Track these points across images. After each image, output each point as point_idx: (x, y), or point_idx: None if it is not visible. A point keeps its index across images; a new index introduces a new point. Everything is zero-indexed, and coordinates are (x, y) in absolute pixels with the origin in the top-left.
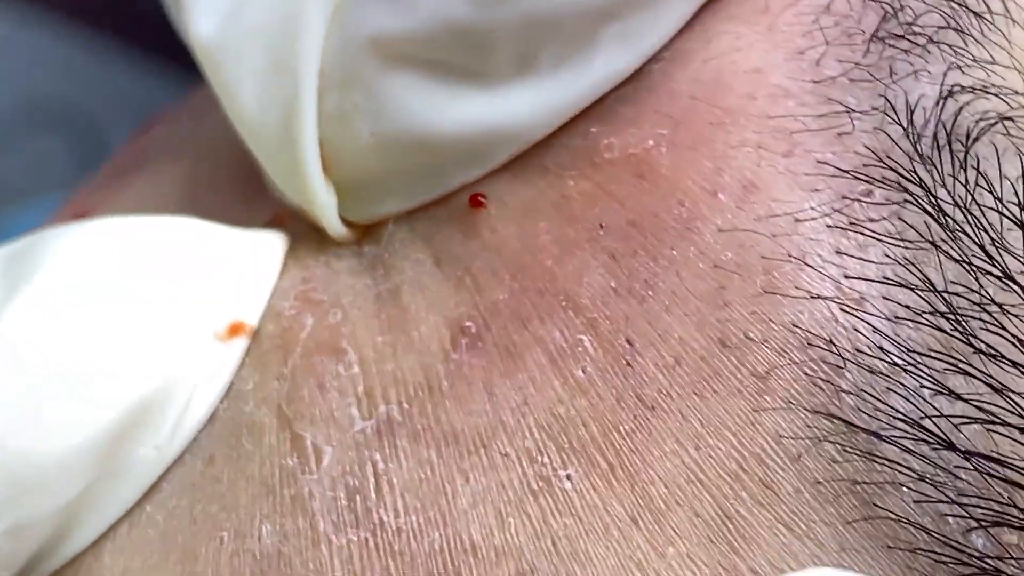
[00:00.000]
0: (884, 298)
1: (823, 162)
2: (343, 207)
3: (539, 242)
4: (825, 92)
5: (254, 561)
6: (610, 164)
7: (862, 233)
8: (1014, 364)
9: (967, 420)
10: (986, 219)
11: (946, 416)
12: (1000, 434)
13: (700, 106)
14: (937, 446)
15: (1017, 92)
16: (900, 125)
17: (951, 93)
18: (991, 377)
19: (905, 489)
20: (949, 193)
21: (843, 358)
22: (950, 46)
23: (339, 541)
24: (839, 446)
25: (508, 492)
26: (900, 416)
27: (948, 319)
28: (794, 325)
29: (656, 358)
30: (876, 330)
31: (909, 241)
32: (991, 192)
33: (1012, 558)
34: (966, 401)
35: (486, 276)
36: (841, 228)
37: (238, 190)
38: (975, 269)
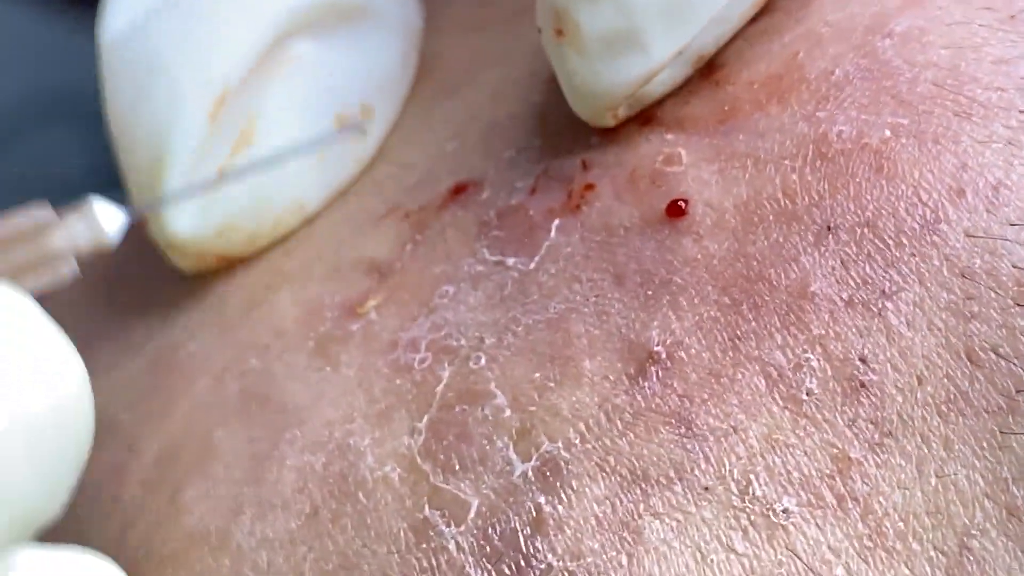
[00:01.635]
0: None
1: None
2: None
3: (754, 248)
4: None
5: None
6: (842, 155)
7: None
8: None
9: None
10: None
11: None
12: None
13: (944, 95)
14: None
15: None
16: None
17: None
18: None
19: None
20: None
21: None
22: None
23: None
24: None
25: (711, 528)
26: None
27: None
28: None
29: (895, 378)
30: None
31: None
32: None
33: None
34: None
35: (688, 292)
36: None
37: None
38: None
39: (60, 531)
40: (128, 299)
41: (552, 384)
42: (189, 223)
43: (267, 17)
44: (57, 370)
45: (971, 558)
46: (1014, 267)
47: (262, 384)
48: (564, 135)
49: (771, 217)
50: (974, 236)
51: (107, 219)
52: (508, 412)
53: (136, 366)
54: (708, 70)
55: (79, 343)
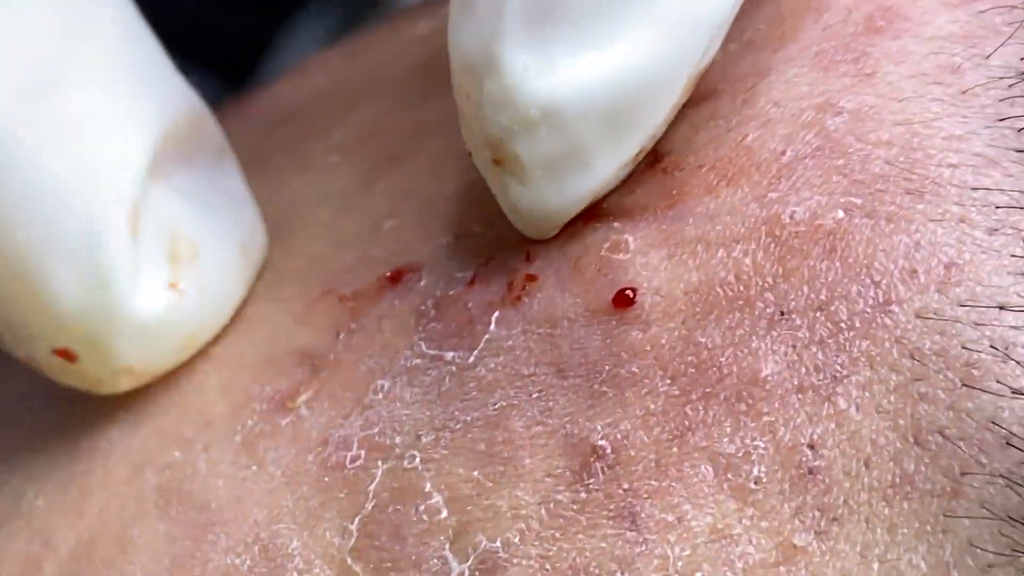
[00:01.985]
0: None
1: None
2: None
3: (705, 336)
4: None
5: None
6: (795, 237)
7: None
8: None
9: None
10: None
11: None
12: None
13: (897, 173)
14: None
15: None
16: None
17: None
18: None
19: None
20: None
21: None
22: None
23: None
24: None
25: None
26: None
27: None
28: (992, 423)
29: (843, 463)
30: None
31: None
32: None
33: None
34: None
35: (635, 385)
36: None
37: None
38: None
39: None
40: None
41: (491, 483)
42: (152, 344)
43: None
44: None
45: None
46: (963, 347)
47: (184, 480)
48: (505, 220)
49: (724, 303)
50: (925, 317)
51: None
52: (444, 512)
53: (56, 449)
54: (654, 158)
55: (4, 419)
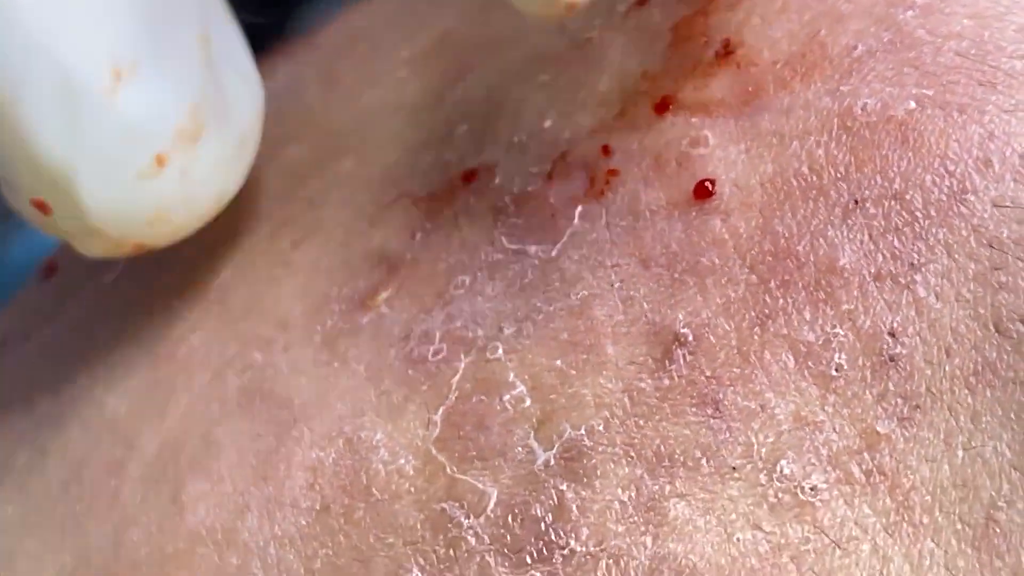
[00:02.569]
0: None
1: None
2: None
3: (782, 225)
4: None
5: None
6: (867, 128)
7: None
8: None
9: None
10: None
11: None
12: None
13: (968, 65)
14: None
15: None
16: None
17: None
18: None
19: None
20: None
21: None
22: None
23: None
24: None
25: (737, 507)
26: None
27: None
28: None
29: (924, 351)
30: None
31: None
32: None
33: None
34: None
35: (715, 273)
36: None
37: None
38: None
39: (57, 528)
40: (131, 289)
41: (574, 371)
42: (116, 212)
43: None
44: None
45: (997, 530)
46: None
47: (266, 380)
48: (576, 117)
49: (798, 193)
50: (1001, 206)
51: None
52: (528, 401)
53: (136, 358)
54: (726, 52)
55: (82, 332)
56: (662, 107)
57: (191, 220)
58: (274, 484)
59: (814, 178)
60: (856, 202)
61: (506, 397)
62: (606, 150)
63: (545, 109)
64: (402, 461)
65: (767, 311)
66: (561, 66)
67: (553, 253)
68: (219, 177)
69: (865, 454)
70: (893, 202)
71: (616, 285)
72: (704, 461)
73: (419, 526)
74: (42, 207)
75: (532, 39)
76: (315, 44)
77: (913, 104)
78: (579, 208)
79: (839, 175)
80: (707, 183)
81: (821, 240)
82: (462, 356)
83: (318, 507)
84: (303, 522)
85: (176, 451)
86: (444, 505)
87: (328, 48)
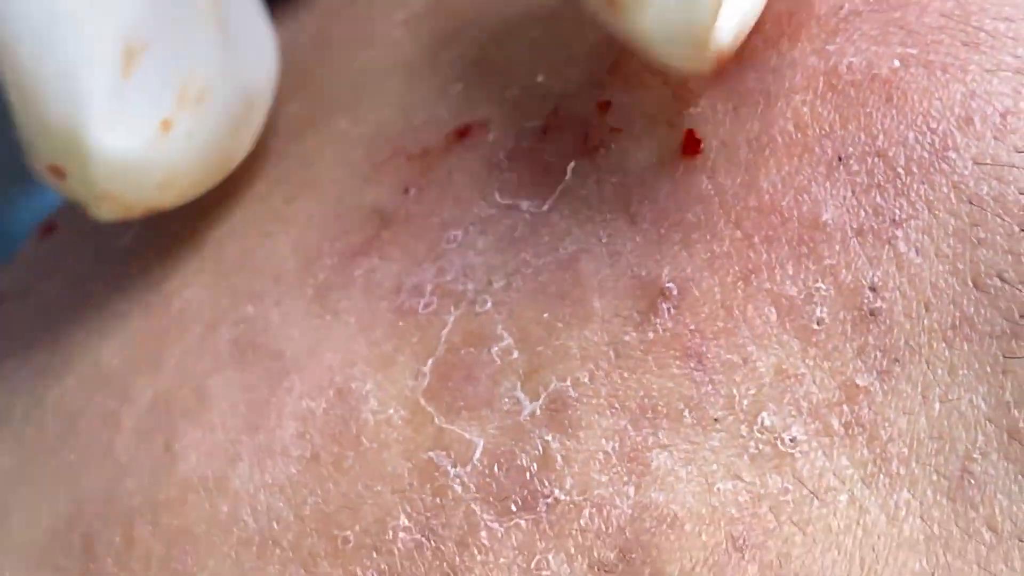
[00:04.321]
0: None
1: None
2: None
3: (767, 181)
4: None
5: (392, 560)
6: (852, 86)
7: None
8: None
9: None
10: None
11: None
12: None
13: (952, 24)
14: None
15: None
16: None
17: None
18: None
19: None
20: None
21: None
22: None
23: (504, 527)
24: None
25: (718, 457)
26: None
27: None
28: None
29: (903, 305)
30: None
31: None
32: None
33: None
34: None
35: (700, 229)
36: None
37: None
38: None
39: (51, 478)
40: (126, 242)
41: (561, 324)
42: (125, 178)
43: None
44: None
45: (972, 481)
46: (1021, 193)
47: (258, 332)
48: (568, 72)
49: (782, 150)
50: (982, 163)
51: None
52: (516, 353)
53: (130, 311)
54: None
55: (79, 287)
56: (656, 70)
57: (200, 182)
58: (265, 433)
59: (798, 135)
60: (840, 159)
61: (494, 349)
62: (600, 106)
63: (538, 64)
64: (391, 411)
65: (751, 266)
66: (553, 21)
67: (544, 208)
68: (227, 139)
69: (844, 406)
70: (876, 159)
71: (604, 240)
72: (686, 413)
73: (406, 474)
74: (57, 172)
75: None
76: (311, 5)
77: (897, 63)
78: (572, 164)
79: (823, 132)
80: (696, 139)
81: (805, 196)
82: (452, 309)
83: (308, 455)
84: (293, 470)
85: (169, 402)
86: (431, 454)
87: (323, 9)
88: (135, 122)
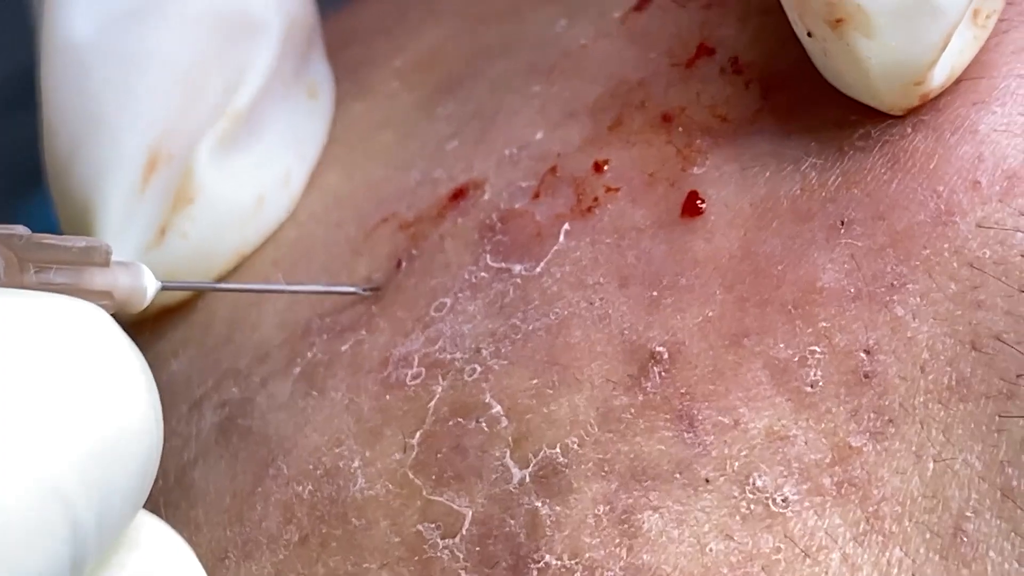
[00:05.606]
0: None
1: None
2: None
3: (765, 246)
4: None
5: None
6: (860, 152)
7: None
8: None
9: None
10: None
11: None
12: None
13: (963, 85)
14: None
15: None
16: None
17: None
18: None
19: None
20: None
21: None
22: None
23: None
24: None
25: (710, 518)
26: None
27: None
28: None
29: (899, 367)
30: None
31: None
32: None
33: None
34: None
35: (693, 292)
36: None
37: None
38: None
39: None
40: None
41: (550, 390)
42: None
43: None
44: (127, 397)
45: (965, 539)
46: (1021, 256)
47: (243, 416)
48: (567, 128)
49: (786, 214)
50: (985, 227)
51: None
52: (505, 422)
53: None
54: (734, 69)
55: None
56: (662, 121)
57: (208, 273)
58: (250, 525)
59: (804, 199)
60: (842, 223)
61: (482, 419)
62: (598, 167)
63: (537, 121)
64: (378, 486)
65: (743, 329)
66: (554, 76)
67: (537, 270)
68: (225, 237)
69: (837, 467)
70: (879, 222)
71: (595, 304)
72: (677, 474)
73: (395, 549)
74: None
75: (524, 50)
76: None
77: (909, 129)
78: (565, 225)
79: (828, 196)
80: (698, 201)
81: (803, 260)
82: (440, 379)
83: (296, 539)
84: (281, 556)
85: (153, 495)
86: (420, 527)
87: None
88: (137, 233)
